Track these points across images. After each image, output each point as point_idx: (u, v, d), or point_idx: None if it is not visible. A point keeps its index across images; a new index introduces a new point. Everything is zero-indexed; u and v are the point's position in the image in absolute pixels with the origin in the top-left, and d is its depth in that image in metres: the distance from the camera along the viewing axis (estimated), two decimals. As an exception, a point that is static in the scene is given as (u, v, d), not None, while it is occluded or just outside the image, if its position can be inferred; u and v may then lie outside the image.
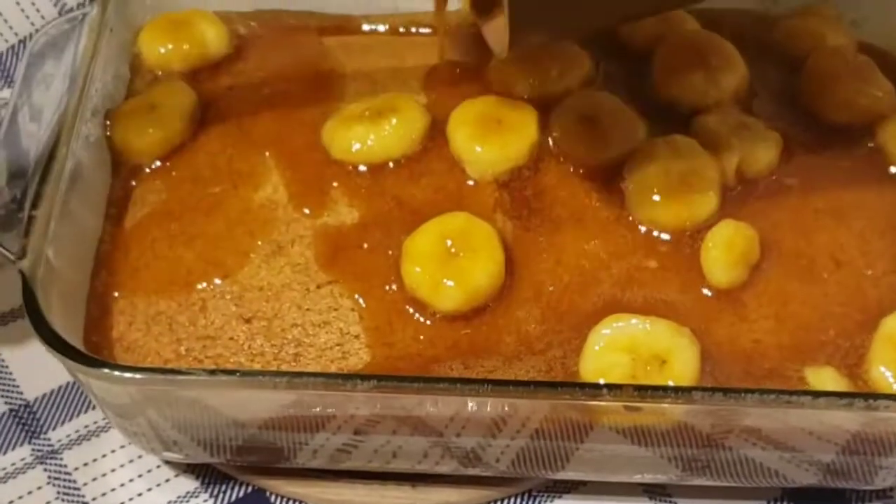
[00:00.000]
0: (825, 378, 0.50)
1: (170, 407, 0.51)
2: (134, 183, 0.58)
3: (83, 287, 0.54)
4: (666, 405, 0.47)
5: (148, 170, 0.58)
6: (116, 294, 0.54)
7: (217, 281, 0.54)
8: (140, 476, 0.57)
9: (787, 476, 0.52)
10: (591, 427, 0.50)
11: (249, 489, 0.56)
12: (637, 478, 0.54)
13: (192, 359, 0.52)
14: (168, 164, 0.58)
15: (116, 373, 0.48)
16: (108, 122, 0.58)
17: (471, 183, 0.56)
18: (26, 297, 0.49)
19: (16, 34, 0.73)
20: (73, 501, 0.56)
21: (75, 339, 0.50)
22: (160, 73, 0.62)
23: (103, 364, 0.48)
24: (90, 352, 0.51)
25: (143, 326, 0.53)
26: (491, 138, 0.56)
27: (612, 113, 0.57)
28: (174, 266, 0.55)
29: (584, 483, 0.56)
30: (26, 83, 0.57)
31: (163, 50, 0.61)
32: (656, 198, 0.54)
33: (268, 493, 0.56)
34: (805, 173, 0.57)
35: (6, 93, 0.72)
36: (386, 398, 0.49)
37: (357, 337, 0.52)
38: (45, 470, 0.57)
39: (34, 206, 0.52)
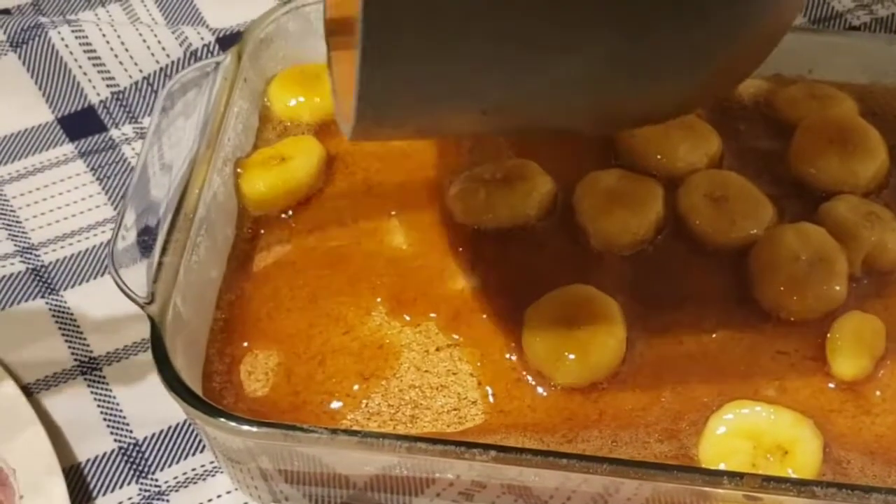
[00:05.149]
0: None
1: (283, 459, 0.51)
2: (259, 233, 0.58)
3: (204, 334, 0.55)
4: (789, 498, 0.47)
5: (273, 221, 0.59)
6: (236, 343, 0.55)
7: (337, 336, 0.54)
8: (244, 523, 0.57)
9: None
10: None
11: (351, 545, 0.57)
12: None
13: (308, 412, 0.53)
14: (294, 215, 0.59)
15: (234, 424, 0.48)
16: (239, 171, 0.59)
17: (594, 255, 0.56)
18: (154, 341, 0.50)
19: (140, 70, 0.74)
20: (177, 544, 0.56)
21: (195, 385, 0.51)
22: (289, 123, 0.62)
23: (225, 415, 0.49)
24: (208, 398, 0.51)
25: (262, 377, 0.54)
26: (616, 211, 0.56)
27: (739, 194, 0.57)
28: (295, 318, 0.55)
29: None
30: (157, 132, 0.58)
31: (293, 102, 0.62)
32: (782, 285, 0.54)
33: (368, 550, 0.56)
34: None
35: (127, 128, 0.73)
36: (499, 467, 0.49)
37: (474, 403, 0.52)
38: (152, 511, 0.57)
39: (164, 252, 0.53)
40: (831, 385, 0.53)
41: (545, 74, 0.42)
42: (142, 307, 0.51)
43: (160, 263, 0.52)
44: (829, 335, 0.53)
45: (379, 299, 0.55)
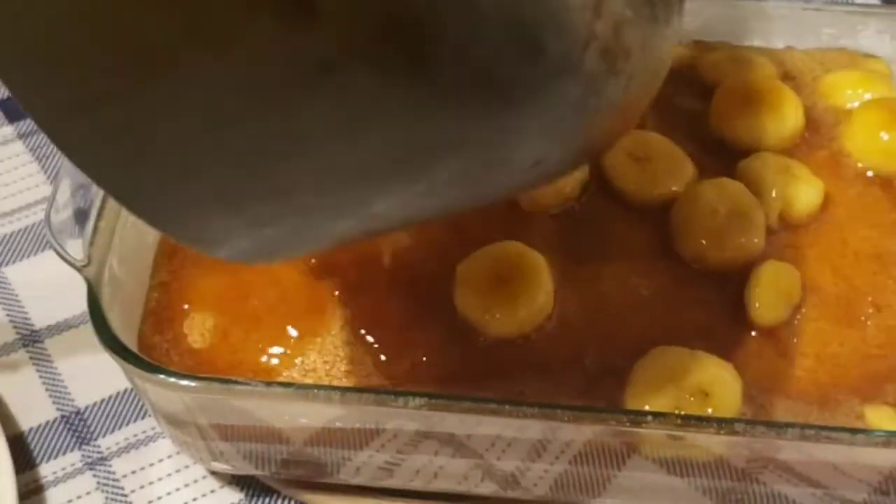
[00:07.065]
0: (882, 416, 0.51)
1: (221, 416, 0.52)
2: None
3: (142, 297, 0.56)
4: (709, 435, 0.48)
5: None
6: (174, 305, 0.56)
7: (273, 296, 0.55)
8: (186, 485, 0.58)
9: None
10: (630, 455, 0.51)
11: (292, 503, 0.58)
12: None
13: (245, 370, 0.54)
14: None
15: (174, 380, 0.49)
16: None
17: (523, 213, 0.58)
18: (91, 303, 0.51)
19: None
20: (120, 507, 0.57)
21: (132, 346, 0.52)
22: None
23: (164, 371, 0.49)
24: (147, 358, 0.52)
25: (199, 337, 0.55)
26: (543, 172, 0.58)
27: (661, 153, 0.59)
28: (231, 279, 0.56)
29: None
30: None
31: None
32: (703, 238, 0.56)
33: (310, 508, 0.58)
34: (848, 219, 0.58)
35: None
36: (432, 417, 0.50)
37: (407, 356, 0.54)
38: (95, 476, 0.58)
39: (99, 217, 0.54)
40: (752, 333, 0.55)
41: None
42: (78, 270, 0.52)
43: (96, 228, 0.53)
44: (747, 284, 0.55)
45: (313, 260, 0.57)
